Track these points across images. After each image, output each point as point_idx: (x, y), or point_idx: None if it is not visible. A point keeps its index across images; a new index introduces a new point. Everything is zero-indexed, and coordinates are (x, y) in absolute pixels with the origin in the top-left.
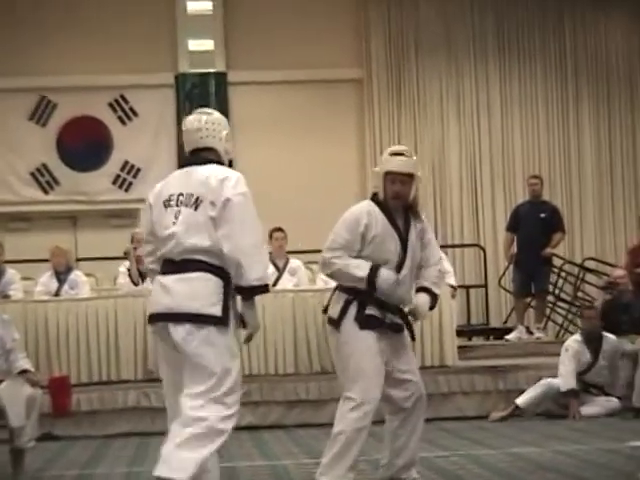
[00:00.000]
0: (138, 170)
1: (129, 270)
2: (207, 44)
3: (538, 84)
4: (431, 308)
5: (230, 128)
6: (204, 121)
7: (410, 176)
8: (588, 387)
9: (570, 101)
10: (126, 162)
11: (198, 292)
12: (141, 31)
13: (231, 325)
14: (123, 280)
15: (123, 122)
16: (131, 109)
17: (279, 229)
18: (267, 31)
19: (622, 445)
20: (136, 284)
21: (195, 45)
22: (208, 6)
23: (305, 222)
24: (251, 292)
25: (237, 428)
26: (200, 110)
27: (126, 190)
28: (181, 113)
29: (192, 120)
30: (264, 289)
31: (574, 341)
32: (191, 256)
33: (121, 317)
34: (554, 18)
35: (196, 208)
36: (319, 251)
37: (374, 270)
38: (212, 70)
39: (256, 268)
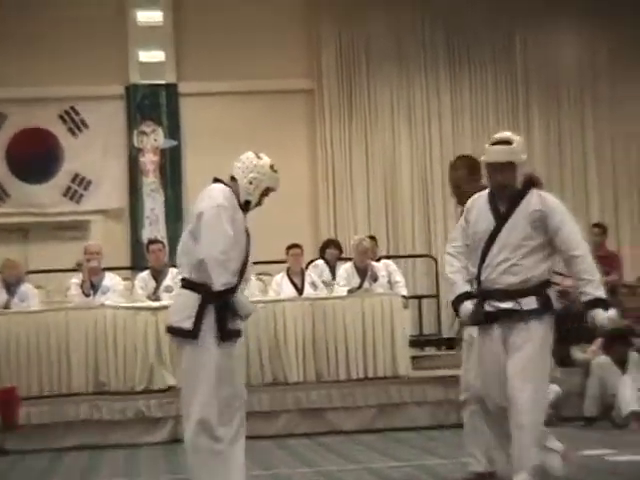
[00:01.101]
0: (89, 182)
1: (83, 282)
2: (158, 55)
3: (489, 94)
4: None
5: (181, 139)
6: (246, 156)
7: (509, 164)
8: None
9: (520, 111)
10: (77, 174)
11: (177, 307)
12: (91, 42)
13: (204, 338)
14: (75, 292)
15: (73, 134)
16: (81, 121)
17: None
18: (218, 42)
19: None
20: (87, 296)
21: (146, 56)
22: (158, 17)
23: (256, 233)
24: (218, 297)
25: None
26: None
27: (77, 202)
28: (132, 124)
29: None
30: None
31: None
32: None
33: (72, 329)
34: (504, 28)
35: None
36: (271, 262)
37: (458, 300)
38: (163, 81)
39: (217, 277)
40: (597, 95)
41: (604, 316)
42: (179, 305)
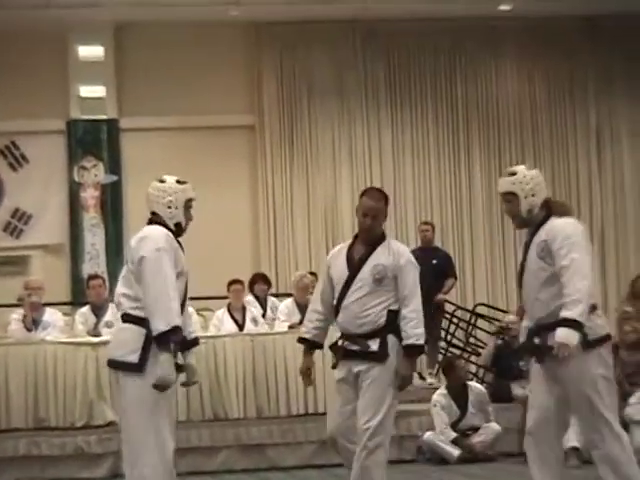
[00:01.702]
0: (29, 217)
1: (23, 317)
2: (99, 90)
3: (430, 131)
4: None
5: (122, 174)
6: (151, 187)
7: (511, 194)
8: (464, 433)
9: (461, 148)
10: (17, 209)
11: (121, 341)
12: (32, 77)
13: (151, 372)
14: (16, 327)
15: (14, 168)
16: (22, 155)
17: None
18: (159, 77)
19: None
20: (29, 330)
21: (86, 91)
22: (99, 52)
23: (197, 268)
24: (157, 340)
25: (124, 476)
26: (161, 177)
27: (17, 237)
28: (72, 159)
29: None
30: (168, 338)
31: (440, 395)
32: (122, 306)
33: (12, 364)
34: (445, 65)
35: (129, 264)
36: (212, 298)
37: None
38: (104, 117)
39: (158, 319)
40: (537, 132)
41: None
42: (122, 339)
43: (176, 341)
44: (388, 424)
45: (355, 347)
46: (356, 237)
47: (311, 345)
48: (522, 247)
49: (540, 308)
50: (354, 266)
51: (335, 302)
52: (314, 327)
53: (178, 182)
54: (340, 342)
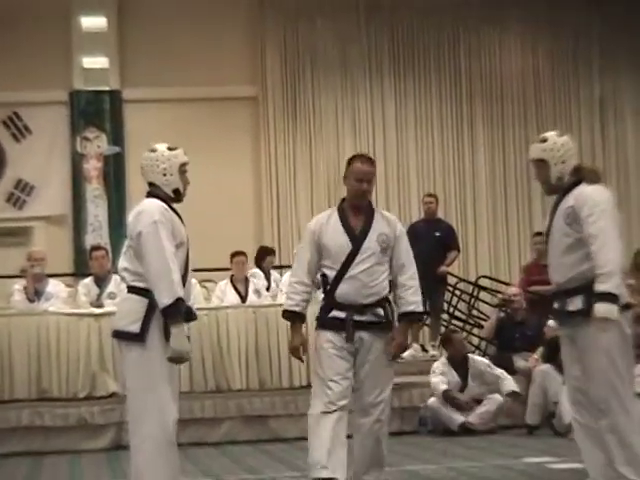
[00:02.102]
0: (32, 188)
1: (25, 288)
2: (102, 61)
3: (433, 102)
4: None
5: (124, 146)
6: (143, 158)
7: (541, 161)
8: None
9: (464, 120)
10: (20, 180)
11: (124, 312)
12: (35, 48)
13: (152, 341)
14: (18, 297)
15: (17, 139)
16: (25, 126)
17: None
18: (162, 49)
19: (515, 461)
20: (32, 302)
21: (89, 62)
22: (103, 23)
23: (200, 241)
24: (165, 314)
25: (129, 447)
26: (151, 147)
27: (20, 208)
28: (75, 130)
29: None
30: (175, 310)
31: (440, 363)
32: (126, 280)
33: (15, 335)
34: (449, 38)
35: (129, 239)
36: (214, 270)
37: None
38: (106, 88)
39: (162, 292)
40: (541, 105)
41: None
42: (125, 310)
43: (183, 312)
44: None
45: (362, 318)
46: (340, 206)
47: (300, 318)
48: (549, 211)
49: (562, 272)
50: (357, 236)
51: (335, 273)
52: (302, 299)
53: (169, 149)
54: (342, 314)
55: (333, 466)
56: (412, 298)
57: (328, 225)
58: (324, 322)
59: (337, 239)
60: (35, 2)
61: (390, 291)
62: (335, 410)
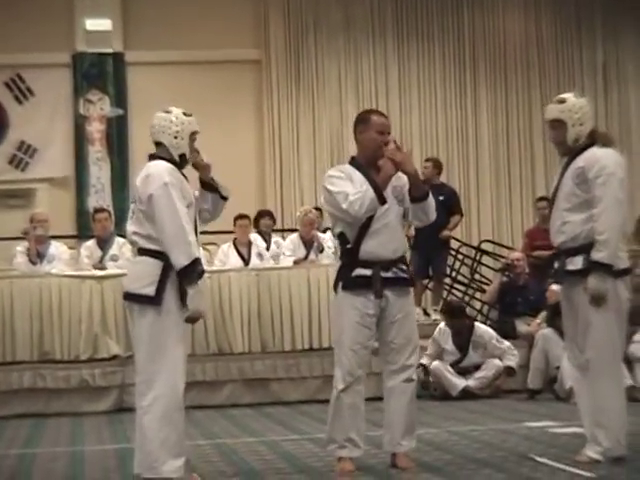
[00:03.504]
0: (35, 150)
1: (28, 250)
2: (104, 24)
3: (436, 67)
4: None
5: (127, 108)
6: (156, 117)
7: (558, 121)
8: (464, 371)
9: (468, 84)
10: (22, 142)
11: (137, 274)
12: (38, 10)
13: (168, 304)
14: (21, 259)
15: (19, 101)
16: (27, 88)
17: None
18: (165, 11)
19: (517, 426)
20: (34, 264)
21: (92, 25)
22: None
23: None
24: (182, 275)
25: (132, 409)
26: (166, 108)
27: (22, 170)
28: (78, 93)
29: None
30: (192, 271)
31: (438, 334)
32: (137, 244)
33: (17, 297)
34: (453, 1)
35: (137, 203)
36: (217, 232)
37: None
38: (110, 50)
39: (178, 254)
40: (544, 70)
41: (590, 282)
42: (138, 272)
43: (199, 272)
44: None
45: (388, 274)
46: (354, 163)
47: None
48: (559, 170)
49: (566, 232)
50: (379, 190)
51: (358, 229)
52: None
53: (184, 114)
54: (367, 272)
55: (352, 443)
56: None
57: (355, 175)
58: (347, 282)
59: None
60: None
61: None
62: (352, 382)
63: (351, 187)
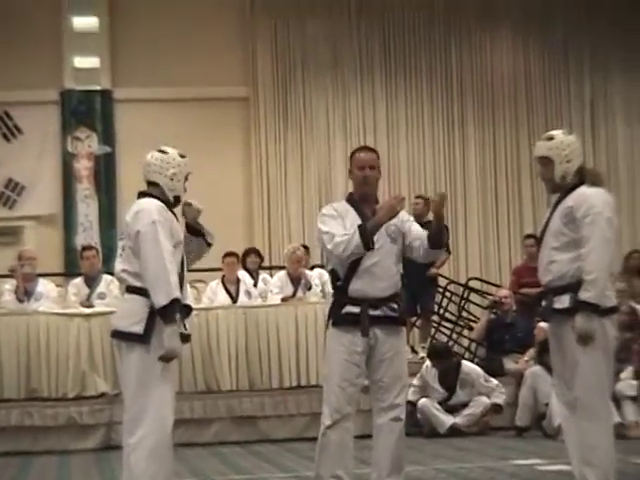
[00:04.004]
0: (23, 187)
1: (16, 288)
2: (93, 61)
3: (424, 104)
4: None
5: (115, 145)
6: (152, 157)
7: (546, 159)
8: (452, 409)
9: (456, 121)
10: (10, 179)
11: (125, 312)
12: (26, 47)
13: (155, 343)
14: (8, 297)
15: (7, 139)
16: (15, 126)
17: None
18: (153, 49)
19: (504, 463)
20: (22, 301)
21: (81, 62)
22: (94, 23)
23: None
24: (160, 314)
25: (120, 447)
26: (161, 148)
27: (10, 208)
28: (66, 130)
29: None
30: (170, 311)
31: (424, 373)
32: (126, 281)
33: (4, 335)
34: (440, 39)
35: (126, 239)
36: (205, 270)
37: None
38: (98, 87)
39: (158, 293)
40: (531, 106)
41: (578, 321)
42: (126, 310)
43: (178, 312)
44: None
45: (376, 312)
46: (349, 199)
47: None
48: (549, 208)
49: (553, 270)
50: (366, 237)
51: (348, 267)
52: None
53: (180, 156)
54: (356, 309)
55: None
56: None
57: (348, 213)
58: (337, 319)
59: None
60: (27, 1)
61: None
62: (340, 419)
63: (341, 227)
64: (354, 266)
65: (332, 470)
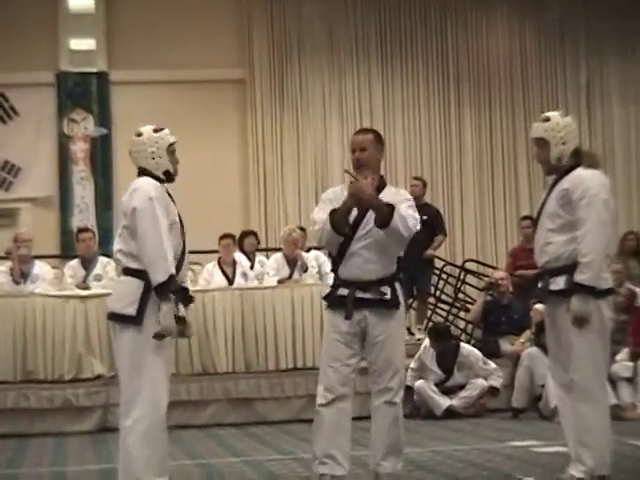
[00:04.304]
0: (19, 169)
1: (11, 270)
2: (89, 43)
3: (420, 86)
4: None
5: (111, 128)
6: (130, 143)
7: (542, 140)
8: (449, 391)
9: (452, 103)
10: (6, 161)
11: (120, 294)
12: (22, 29)
13: (148, 324)
14: (4, 279)
15: (3, 121)
16: (11, 107)
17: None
18: (149, 31)
19: (501, 445)
20: (18, 283)
21: (76, 44)
22: (90, 5)
23: (187, 223)
24: (158, 292)
25: (116, 429)
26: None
27: (7, 190)
28: (62, 112)
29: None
30: (167, 288)
31: (422, 355)
32: (121, 262)
33: (0, 317)
34: (436, 20)
35: (123, 219)
36: (202, 252)
37: None
38: (94, 69)
39: (156, 270)
40: (527, 89)
41: (573, 304)
42: (121, 292)
43: (173, 290)
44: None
45: (366, 295)
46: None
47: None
48: (545, 190)
49: (549, 252)
50: (360, 211)
51: (338, 248)
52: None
53: (155, 131)
54: (346, 291)
55: (334, 460)
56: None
57: (342, 196)
58: (329, 300)
59: None
60: None
61: (397, 270)
62: (333, 399)
63: (324, 213)
64: (343, 249)
65: (325, 450)
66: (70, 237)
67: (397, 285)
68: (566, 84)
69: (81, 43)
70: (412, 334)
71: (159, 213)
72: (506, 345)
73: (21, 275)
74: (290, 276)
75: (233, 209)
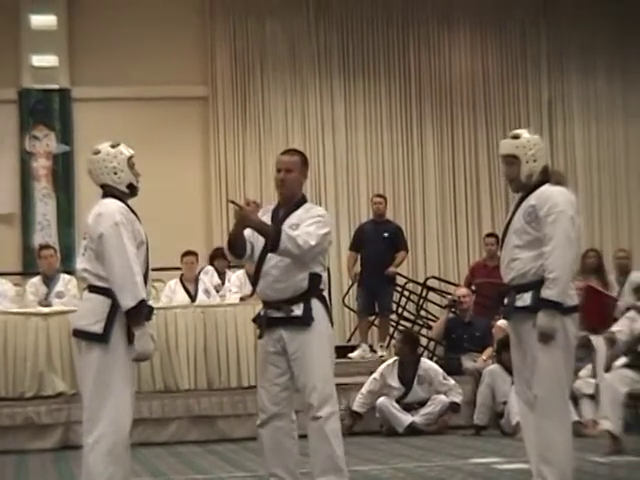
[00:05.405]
0: None
1: None
2: (51, 60)
3: (382, 102)
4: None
5: (74, 144)
6: (89, 161)
7: (512, 157)
8: (409, 407)
9: (414, 121)
10: None
11: (86, 311)
12: None
13: (115, 342)
14: None
15: None
16: None
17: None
18: (112, 47)
19: (463, 462)
20: None
21: (39, 60)
22: (52, 21)
23: (150, 240)
24: (128, 316)
25: (77, 447)
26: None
27: None
28: (24, 129)
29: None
30: (138, 312)
31: (382, 370)
32: (87, 280)
33: None
34: (398, 38)
35: (88, 241)
36: (163, 269)
37: None
38: (56, 86)
39: (125, 295)
40: (489, 107)
41: (540, 319)
42: (87, 309)
43: (145, 313)
44: (333, 390)
45: (279, 314)
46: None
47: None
48: (512, 207)
49: (516, 268)
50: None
51: (255, 267)
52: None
53: (112, 146)
54: (262, 312)
55: (278, 479)
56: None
57: (263, 216)
58: (255, 321)
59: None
60: None
61: (310, 287)
62: (268, 419)
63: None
64: (257, 269)
65: (269, 468)
66: (32, 254)
67: (314, 301)
68: (528, 101)
69: (43, 60)
70: (374, 351)
71: (125, 238)
72: (468, 362)
73: None
74: (252, 293)
75: (195, 226)
